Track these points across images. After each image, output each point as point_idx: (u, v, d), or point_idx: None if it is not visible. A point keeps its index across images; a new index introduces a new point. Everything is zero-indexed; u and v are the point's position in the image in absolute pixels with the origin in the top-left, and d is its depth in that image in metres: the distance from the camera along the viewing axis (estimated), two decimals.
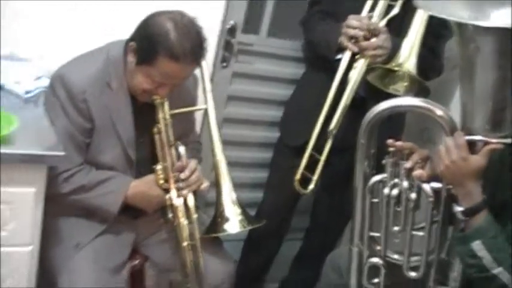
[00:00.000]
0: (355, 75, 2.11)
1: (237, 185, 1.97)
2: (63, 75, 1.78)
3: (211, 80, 2.04)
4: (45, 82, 1.93)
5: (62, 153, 1.62)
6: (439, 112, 1.60)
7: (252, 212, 2.24)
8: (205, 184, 1.93)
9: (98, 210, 1.85)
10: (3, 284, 1.71)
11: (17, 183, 1.62)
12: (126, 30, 1.81)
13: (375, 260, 1.82)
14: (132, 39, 1.77)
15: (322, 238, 2.65)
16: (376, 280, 1.84)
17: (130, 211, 1.91)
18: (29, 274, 1.74)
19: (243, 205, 1.95)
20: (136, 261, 2.02)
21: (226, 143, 2.01)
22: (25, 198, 1.64)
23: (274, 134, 2.62)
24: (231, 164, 1.99)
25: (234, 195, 1.94)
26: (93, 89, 1.78)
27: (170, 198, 1.86)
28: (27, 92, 1.92)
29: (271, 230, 2.45)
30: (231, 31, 2.49)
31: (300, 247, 2.79)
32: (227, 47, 2.51)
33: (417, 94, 2.00)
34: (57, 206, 1.81)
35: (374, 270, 1.83)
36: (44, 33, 2.07)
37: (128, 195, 1.84)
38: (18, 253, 1.69)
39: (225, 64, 2.54)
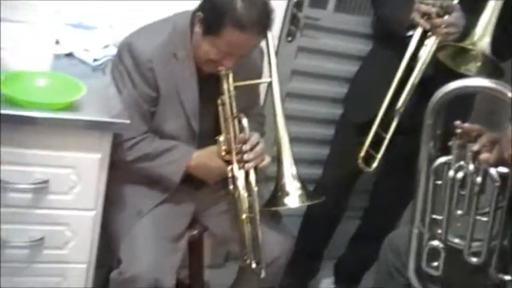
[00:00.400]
0: (425, 53, 2.05)
1: (297, 160, 1.95)
2: (131, 44, 1.80)
3: (276, 53, 2.02)
4: (113, 51, 1.96)
5: (128, 121, 1.64)
6: (511, 95, 1.54)
7: (310, 188, 2.22)
8: (266, 161, 1.92)
9: (161, 179, 1.87)
10: (67, 246, 1.75)
11: (83, 149, 1.66)
12: (193, 1, 1.81)
13: (435, 243, 1.78)
14: (198, 9, 1.77)
15: (381, 218, 2.62)
16: (435, 263, 1.80)
17: (192, 181, 1.92)
18: (91, 238, 1.78)
19: (303, 180, 1.94)
20: (196, 231, 2.04)
21: (287, 117, 1.98)
22: (90, 164, 1.68)
23: (336, 111, 2.59)
24: (292, 139, 1.97)
25: (294, 170, 1.93)
26: (159, 58, 1.79)
27: (231, 170, 1.86)
28: (95, 60, 1.95)
29: (329, 207, 2.42)
30: (298, 5, 2.45)
31: (358, 226, 2.76)
32: (293, 21, 2.48)
33: (490, 75, 1.93)
34: (121, 173, 1.85)
35: (434, 253, 1.80)
36: (113, 2, 2.09)
37: (190, 166, 1.86)
38: (82, 217, 1.74)
39: (290, 38, 2.51)
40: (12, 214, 1.68)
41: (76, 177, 1.67)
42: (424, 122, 1.70)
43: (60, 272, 1.80)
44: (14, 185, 1.63)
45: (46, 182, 1.65)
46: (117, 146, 1.75)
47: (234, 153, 1.85)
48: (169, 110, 1.86)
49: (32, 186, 1.64)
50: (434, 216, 1.77)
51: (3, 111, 1.53)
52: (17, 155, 1.61)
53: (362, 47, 2.54)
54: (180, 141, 1.88)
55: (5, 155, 1.60)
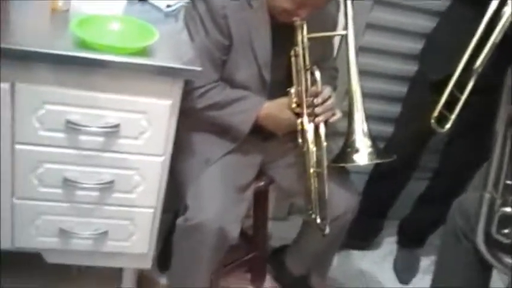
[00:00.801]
0: (508, 11, 1.95)
1: (368, 117, 1.90)
2: None
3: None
4: None
5: (199, 68, 1.62)
6: None
7: (380, 146, 2.17)
8: (337, 115, 1.88)
9: (230, 128, 1.86)
10: (135, 190, 1.78)
11: (154, 95, 1.65)
12: None
13: (508, 209, 1.72)
14: None
15: (451, 180, 2.55)
16: (506, 231, 1.74)
17: (260, 132, 1.91)
18: (159, 184, 1.80)
19: (373, 137, 1.90)
20: (262, 183, 2.03)
21: (360, 72, 1.93)
22: (161, 110, 1.68)
23: (410, 67, 2.51)
24: (364, 95, 1.91)
25: (365, 127, 1.88)
26: (233, 6, 1.76)
27: (301, 123, 1.83)
28: (168, 6, 1.93)
29: (398, 166, 2.37)
30: None
31: (426, 187, 2.70)
32: None
33: None
34: (191, 121, 1.85)
35: (505, 220, 1.74)
36: None
37: (260, 116, 1.84)
38: (151, 162, 1.75)
39: None
40: (84, 157, 1.70)
41: (146, 122, 1.68)
42: (504, 83, 1.63)
43: (128, 215, 1.83)
44: (86, 128, 1.65)
45: (117, 126, 1.66)
46: (187, 93, 1.74)
47: (304, 106, 1.82)
48: (241, 59, 1.84)
49: (104, 129, 1.66)
50: (508, 182, 1.71)
51: (76, 54, 1.53)
52: (90, 99, 1.63)
53: (441, 2, 2.43)
54: (250, 91, 1.86)
55: (77, 98, 1.62)
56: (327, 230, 1.90)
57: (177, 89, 1.67)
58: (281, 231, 2.51)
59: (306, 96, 1.81)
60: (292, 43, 1.80)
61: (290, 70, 1.84)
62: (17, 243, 1.82)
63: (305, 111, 1.82)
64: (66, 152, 1.69)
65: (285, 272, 2.33)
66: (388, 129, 2.57)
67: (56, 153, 1.69)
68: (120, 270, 2.05)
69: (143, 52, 1.61)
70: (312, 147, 1.83)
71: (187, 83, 1.71)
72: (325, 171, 1.84)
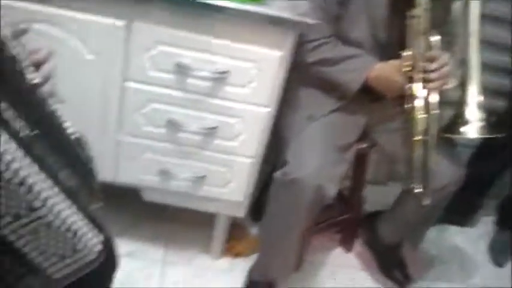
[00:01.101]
0: None
1: (484, 89, 1.81)
2: None
3: None
4: None
5: (313, 21, 1.59)
6: None
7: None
8: (451, 84, 1.80)
9: (338, 86, 1.82)
10: (237, 139, 1.78)
11: (266, 45, 1.64)
12: None
13: None
14: None
15: None
16: None
17: (368, 93, 1.85)
18: (261, 135, 1.79)
19: (486, 111, 1.80)
20: (364, 145, 1.99)
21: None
22: (270, 60, 1.66)
23: None
24: (482, 66, 1.82)
25: (479, 99, 1.79)
26: None
27: (412, 88, 1.76)
28: None
29: (507, 144, 2.26)
30: None
31: None
32: None
33: None
34: (299, 75, 1.82)
35: None
36: None
37: (370, 77, 1.78)
38: (255, 112, 1.74)
39: None
40: (190, 100, 1.72)
41: (256, 71, 1.67)
42: None
43: (227, 162, 1.84)
44: (195, 72, 1.66)
45: (226, 72, 1.66)
46: (299, 45, 1.71)
47: (418, 70, 1.74)
48: (356, 16, 1.78)
49: (213, 75, 1.66)
50: None
51: None
52: (202, 43, 1.63)
53: None
54: (363, 50, 1.80)
55: (190, 41, 1.62)
56: (427, 201, 1.84)
57: (290, 41, 1.65)
58: (377, 197, 2.46)
59: (421, 61, 1.73)
60: (411, 3, 1.72)
61: (405, 32, 1.76)
62: (119, 177, 1.88)
63: (418, 76, 1.74)
64: (173, 93, 1.71)
65: (376, 238, 2.29)
66: (502, 104, 2.44)
67: (164, 94, 1.71)
68: (213, 216, 2.08)
69: (259, 1, 1.59)
70: (421, 114, 1.76)
71: (299, 36, 1.67)
72: (432, 141, 1.77)
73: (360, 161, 2.07)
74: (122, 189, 1.88)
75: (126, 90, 1.71)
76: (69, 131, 1.10)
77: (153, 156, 1.83)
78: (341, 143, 1.85)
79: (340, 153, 1.84)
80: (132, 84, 1.70)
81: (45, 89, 1.06)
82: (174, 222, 2.24)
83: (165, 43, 1.63)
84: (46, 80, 1.07)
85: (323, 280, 2.23)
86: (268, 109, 1.75)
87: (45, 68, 1.08)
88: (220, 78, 1.67)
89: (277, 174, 1.79)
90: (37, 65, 1.04)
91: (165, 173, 1.85)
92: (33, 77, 1.00)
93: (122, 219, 2.13)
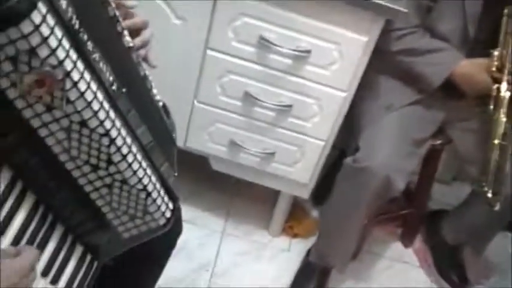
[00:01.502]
0: None
1: None
2: None
3: None
4: None
5: (405, 10, 1.55)
6: None
7: None
8: None
9: (420, 78, 1.77)
10: (311, 120, 1.77)
11: (352, 28, 1.61)
12: None
13: None
14: None
15: None
16: None
17: (449, 89, 1.80)
18: (336, 119, 1.77)
19: None
20: (439, 141, 1.93)
21: None
22: (355, 44, 1.63)
23: None
24: None
25: None
26: None
27: (497, 90, 1.70)
28: None
29: None
30: None
31: None
32: None
33: None
34: (381, 63, 1.78)
35: None
36: None
37: (455, 73, 1.73)
38: (333, 95, 1.72)
39: None
40: (269, 75, 1.71)
41: (338, 54, 1.64)
42: None
43: (298, 142, 1.83)
44: (277, 48, 1.65)
45: (308, 51, 1.65)
46: (385, 33, 1.67)
47: (506, 71, 1.68)
48: (447, 9, 1.72)
49: (294, 53, 1.65)
50: None
51: None
52: (287, 19, 1.62)
53: None
54: (450, 45, 1.75)
55: (275, 16, 1.61)
56: (497, 207, 1.78)
57: (377, 27, 1.62)
58: (443, 196, 2.41)
59: (510, 63, 1.67)
60: (507, 1, 1.66)
61: (497, 30, 1.70)
62: (188, 144, 1.90)
63: (505, 77, 1.68)
64: (253, 67, 1.71)
65: (438, 237, 2.25)
66: None
67: (244, 66, 1.71)
68: (276, 194, 2.08)
69: None
70: (502, 117, 1.70)
71: (387, 23, 1.64)
72: (510, 146, 1.71)
73: (432, 157, 2.02)
74: (189, 156, 1.89)
75: (207, 59, 1.72)
76: (157, 97, 1.11)
77: (225, 127, 1.84)
78: (416, 136, 1.81)
79: (413, 147, 1.80)
80: (213, 53, 1.71)
81: (140, 54, 1.08)
82: (237, 195, 2.26)
83: (250, 15, 1.62)
84: (143, 45, 1.09)
85: (378, 272, 2.21)
86: (346, 94, 1.73)
87: (145, 34, 1.09)
88: (302, 56, 1.65)
89: (347, 160, 1.76)
90: (131, 30, 1.05)
91: (234, 145, 1.85)
92: (129, 40, 1.01)
93: (186, 186, 2.16)
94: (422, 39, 1.74)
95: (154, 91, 1.11)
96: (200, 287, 1.96)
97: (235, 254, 2.08)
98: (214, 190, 2.24)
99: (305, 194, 1.98)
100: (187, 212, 2.06)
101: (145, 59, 1.12)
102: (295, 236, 2.19)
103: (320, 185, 2.08)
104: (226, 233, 2.14)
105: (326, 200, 1.90)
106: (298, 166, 1.88)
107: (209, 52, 1.71)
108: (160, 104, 1.14)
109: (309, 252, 2.03)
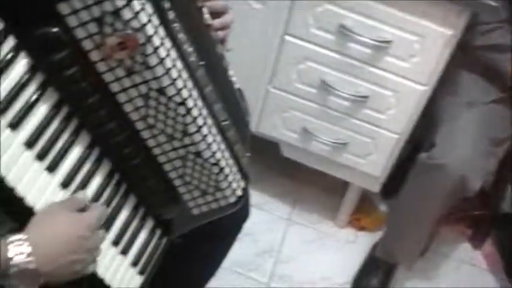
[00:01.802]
0: None
1: None
2: None
3: None
4: None
5: (494, 3, 1.49)
6: None
7: None
8: None
9: (503, 76, 1.71)
10: (387, 112, 1.73)
11: (436, 20, 1.57)
12: None
13: None
14: None
15: None
16: None
17: None
18: (412, 112, 1.73)
19: None
20: None
21: None
22: (438, 37, 1.59)
23: None
24: None
25: None
26: None
27: None
28: None
29: None
30: None
31: None
32: None
33: None
34: (462, 57, 1.73)
35: None
36: None
37: None
38: (411, 89, 1.69)
39: None
40: (347, 64, 1.69)
41: (420, 46, 1.60)
42: None
43: (372, 134, 1.80)
44: (357, 37, 1.62)
45: (389, 42, 1.61)
46: (470, 27, 1.62)
47: None
48: None
49: (375, 42, 1.62)
50: None
51: None
52: (368, 8, 1.59)
53: None
54: None
55: (356, 4, 1.59)
56: None
57: (462, 20, 1.56)
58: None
59: None
60: None
61: None
62: (260, 129, 1.90)
63: None
64: (331, 55, 1.69)
65: (510, 241, 2.17)
66: None
67: (322, 54, 1.69)
68: (345, 185, 2.06)
69: None
70: None
71: (473, 16, 1.58)
72: None
73: (509, 158, 1.95)
74: (260, 141, 1.89)
75: (285, 44, 1.71)
76: (233, 79, 1.11)
77: (298, 114, 1.82)
78: (496, 136, 1.75)
79: (492, 146, 1.74)
80: (292, 39, 1.70)
81: (218, 35, 1.08)
82: (306, 183, 2.24)
83: (332, 2, 1.61)
84: (222, 28, 1.09)
85: (445, 273, 2.15)
86: (426, 88, 1.68)
87: (225, 18, 1.10)
88: (382, 47, 1.62)
89: (422, 156, 1.72)
90: (211, 12, 1.06)
91: (307, 133, 1.84)
92: (208, 19, 1.02)
93: (255, 171, 2.15)
94: (508, 35, 1.68)
95: (231, 73, 1.11)
96: (264, 272, 1.97)
97: (300, 241, 2.07)
98: (283, 177, 2.24)
99: (375, 187, 1.95)
100: (254, 196, 2.06)
101: (222, 41, 1.12)
102: (361, 228, 2.16)
103: (390, 178, 2.04)
104: (292, 220, 2.13)
105: (396, 195, 1.86)
106: (370, 158, 1.85)
107: (287, 38, 1.70)
108: (236, 86, 1.14)
109: (375, 246, 2.00)
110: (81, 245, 0.79)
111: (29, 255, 0.73)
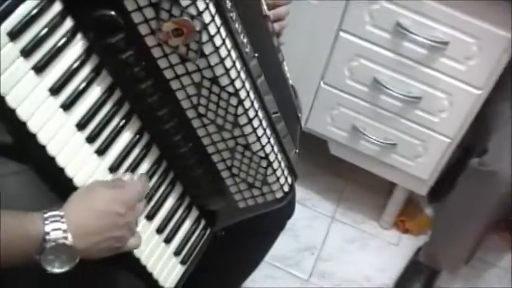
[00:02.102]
0: None
1: None
2: None
3: None
4: None
5: None
6: None
7: None
8: None
9: None
10: (439, 115, 1.70)
11: (495, 22, 1.52)
12: None
13: None
14: None
15: None
16: None
17: None
18: (466, 117, 1.69)
19: None
20: None
21: None
22: (497, 41, 1.54)
23: None
24: None
25: None
26: None
27: None
28: None
29: None
30: None
31: None
32: None
33: None
34: None
35: None
36: None
37: None
38: (466, 92, 1.64)
39: None
40: (401, 64, 1.66)
41: (477, 49, 1.56)
42: None
43: (422, 136, 1.76)
44: (413, 36, 1.59)
45: (446, 43, 1.58)
46: None
47: None
48: None
49: (431, 43, 1.58)
50: None
51: None
52: (428, 8, 1.55)
53: None
54: None
55: (415, 4, 1.56)
56: None
57: None
58: None
59: None
60: None
61: None
62: (309, 125, 1.88)
63: None
64: (385, 53, 1.66)
65: None
66: None
67: (375, 51, 1.67)
68: (392, 186, 2.03)
69: None
70: None
71: None
72: None
73: None
74: (308, 137, 1.88)
75: (339, 40, 1.69)
76: (287, 74, 1.10)
77: (348, 112, 1.80)
78: None
79: None
80: (346, 36, 1.68)
81: (275, 27, 1.07)
82: (351, 182, 2.22)
83: (389, 0, 1.58)
84: (278, 20, 1.09)
85: (488, 281, 2.10)
86: (481, 92, 1.64)
87: (281, 10, 1.09)
88: (438, 48, 1.59)
89: (473, 161, 1.68)
90: (269, 4, 1.05)
91: (356, 131, 1.82)
92: (265, 9, 1.01)
93: (301, 166, 2.14)
94: None
95: (285, 68, 1.10)
96: (303, 268, 1.96)
97: (342, 240, 2.06)
98: (329, 174, 2.22)
99: (423, 190, 1.92)
100: (299, 192, 2.05)
101: (277, 33, 1.12)
102: (406, 231, 2.13)
103: (438, 181, 2.00)
104: (336, 218, 2.12)
105: (443, 198, 1.83)
106: (419, 161, 1.82)
107: (342, 34, 1.68)
108: (290, 82, 1.13)
109: (418, 250, 1.97)
110: (117, 222, 0.79)
111: (65, 231, 0.73)
